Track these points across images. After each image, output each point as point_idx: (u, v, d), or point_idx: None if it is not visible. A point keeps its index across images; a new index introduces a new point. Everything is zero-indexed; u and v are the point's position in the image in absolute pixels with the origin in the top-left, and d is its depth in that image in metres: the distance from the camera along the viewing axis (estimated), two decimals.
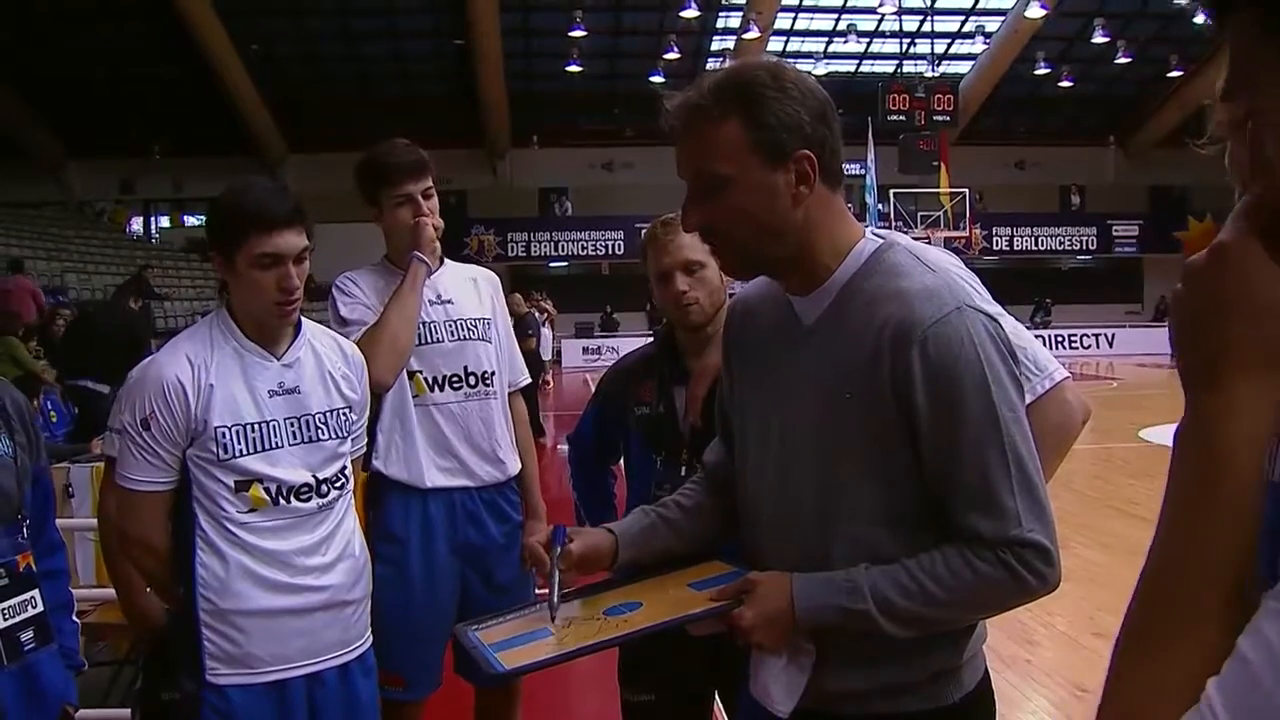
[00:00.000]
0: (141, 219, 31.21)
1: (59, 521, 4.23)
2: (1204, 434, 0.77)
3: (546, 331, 21.86)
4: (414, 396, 3.07)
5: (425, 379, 3.08)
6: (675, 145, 1.64)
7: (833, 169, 1.63)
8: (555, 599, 1.73)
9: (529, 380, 3.43)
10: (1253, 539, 0.76)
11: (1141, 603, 0.79)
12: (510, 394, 3.28)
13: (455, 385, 3.10)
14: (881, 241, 1.68)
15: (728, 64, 1.69)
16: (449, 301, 3.13)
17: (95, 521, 4.40)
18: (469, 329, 3.13)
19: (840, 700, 1.67)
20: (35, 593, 2.23)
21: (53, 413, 9.63)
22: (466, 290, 3.19)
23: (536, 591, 1.97)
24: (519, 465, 3.24)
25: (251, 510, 2.39)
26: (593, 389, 3.03)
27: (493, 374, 3.15)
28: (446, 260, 3.24)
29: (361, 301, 3.04)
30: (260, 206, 2.35)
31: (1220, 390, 0.76)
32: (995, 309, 1.72)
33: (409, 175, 3.04)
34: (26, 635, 2.19)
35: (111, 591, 4.43)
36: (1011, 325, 1.87)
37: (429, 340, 3.08)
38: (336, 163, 30.87)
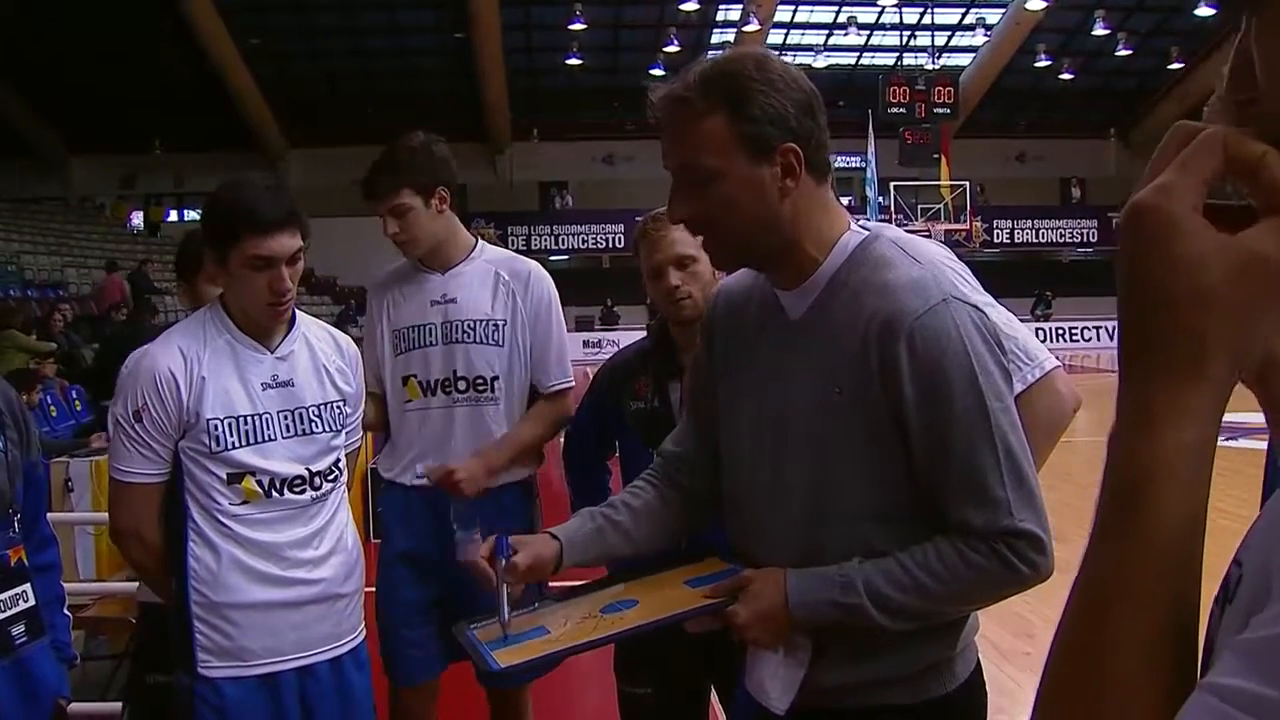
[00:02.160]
0: (142, 214, 31.19)
1: (60, 515, 4.25)
2: (1151, 438, 0.62)
3: None
4: (408, 401, 3.04)
5: (419, 382, 3.03)
6: (661, 138, 1.64)
7: (819, 161, 1.62)
8: (506, 614, 1.70)
9: (569, 383, 3.16)
10: (1196, 578, 0.63)
11: (1072, 634, 0.65)
12: (545, 395, 3.10)
13: (445, 389, 3.03)
14: (867, 234, 1.68)
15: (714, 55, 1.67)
16: (451, 301, 3.04)
17: (95, 515, 4.43)
18: (466, 331, 3.03)
19: (834, 694, 1.67)
20: (27, 587, 2.23)
21: (53, 407, 9.63)
22: (482, 289, 3.06)
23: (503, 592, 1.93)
24: (527, 470, 3.13)
25: (244, 503, 2.39)
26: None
27: (492, 380, 3.04)
28: (482, 248, 3.12)
29: (377, 324, 3.10)
30: (253, 208, 2.33)
31: (1196, 382, 0.62)
32: (984, 299, 1.71)
33: (377, 197, 2.97)
34: (18, 629, 2.19)
35: (110, 585, 4.46)
36: (1004, 316, 1.87)
37: (421, 344, 3.03)
38: (338, 157, 30.93)
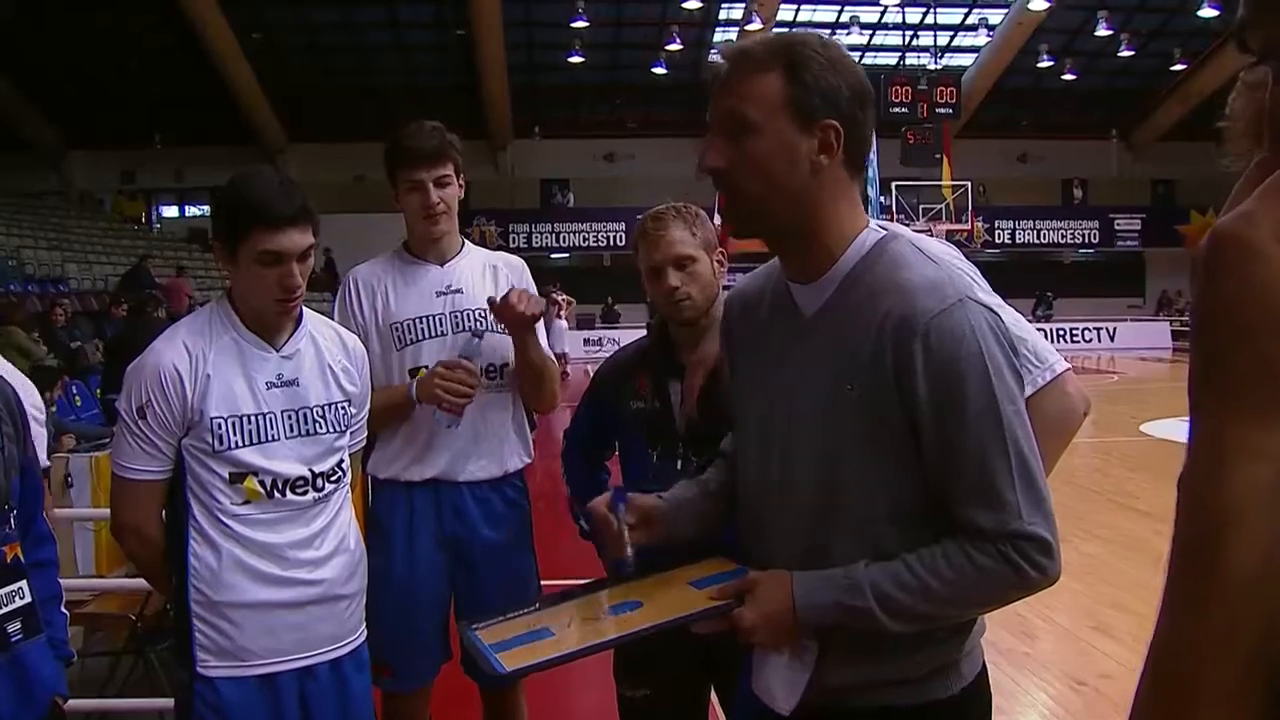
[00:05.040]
0: (146, 209, 31.14)
1: (59, 511, 4.24)
2: (1225, 477, 0.59)
3: (561, 323, 21.79)
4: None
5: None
6: (714, 89, 1.65)
7: (857, 154, 1.64)
8: (629, 554, 1.77)
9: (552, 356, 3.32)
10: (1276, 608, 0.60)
11: (1151, 690, 0.62)
12: None
13: None
14: (884, 233, 1.68)
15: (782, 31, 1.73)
16: (458, 291, 3.08)
17: (94, 512, 4.43)
18: (478, 320, 3.08)
19: (840, 694, 1.66)
20: (23, 584, 2.22)
21: (52, 406, 9.62)
22: (483, 280, 3.14)
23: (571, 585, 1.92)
24: (524, 460, 3.18)
25: (246, 502, 2.37)
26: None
27: (502, 367, 3.09)
28: (469, 246, 3.21)
29: (355, 317, 3.05)
30: (265, 203, 2.31)
31: (1270, 416, 0.58)
32: (995, 301, 1.71)
33: (421, 161, 3.00)
34: (14, 626, 2.18)
35: (110, 582, 4.45)
36: (1012, 317, 1.86)
37: (431, 334, 3.05)
38: (337, 153, 30.69)
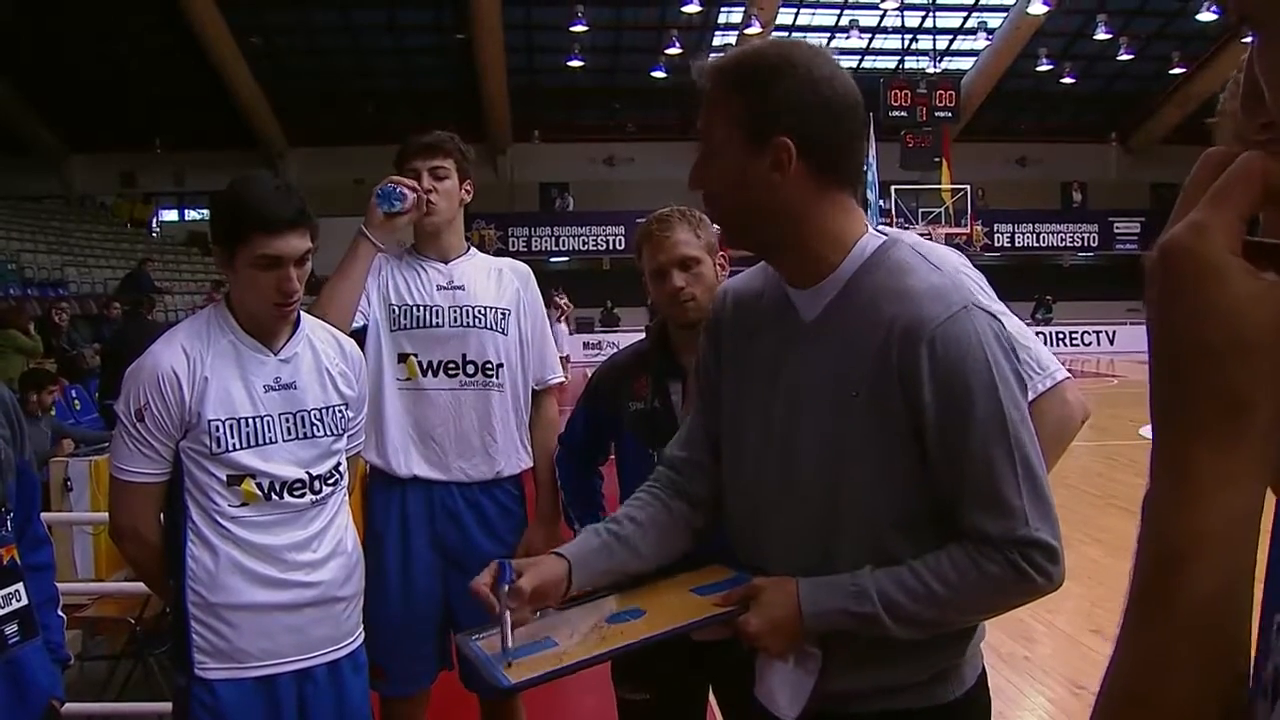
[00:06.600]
0: (153, 213, 31.14)
1: (59, 515, 4.25)
2: (1190, 507, 0.56)
3: (561, 327, 21.78)
4: (406, 379, 3.06)
5: (419, 362, 3.06)
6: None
7: (831, 163, 1.60)
8: (509, 643, 1.58)
9: (560, 379, 3.35)
10: (1244, 656, 0.58)
11: (1107, 710, 0.59)
12: (538, 393, 3.25)
13: (450, 372, 3.07)
14: (885, 239, 1.66)
15: (767, 40, 1.72)
16: (459, 288, 3.11)
17: (93, 515, 4.44)
18: (476, 317, 3.10)
19: (842, 699, 1.66)
20: (19, 586, 2.22)
21: (50, 409, 9.62)
22: (486, 280, 3.17)
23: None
24: (522, 465, 3.18)
25: (243, 504, 2.37)
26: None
27: (498, 366, 3.11)
28: (474, 251, 3.25)
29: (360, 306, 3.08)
30: (263, 207, 2.32)
31: (1241, 443, 0.55)
32: (1000, 308, 1.71)
33: (418, 152, 3.08)
34: (10, 629, 2.18)
35: (109, 585, 4.46)
36: (1015, 325, 1.87)
37: (428, 324, 3.07)
38: (337, 156, 30.64)
